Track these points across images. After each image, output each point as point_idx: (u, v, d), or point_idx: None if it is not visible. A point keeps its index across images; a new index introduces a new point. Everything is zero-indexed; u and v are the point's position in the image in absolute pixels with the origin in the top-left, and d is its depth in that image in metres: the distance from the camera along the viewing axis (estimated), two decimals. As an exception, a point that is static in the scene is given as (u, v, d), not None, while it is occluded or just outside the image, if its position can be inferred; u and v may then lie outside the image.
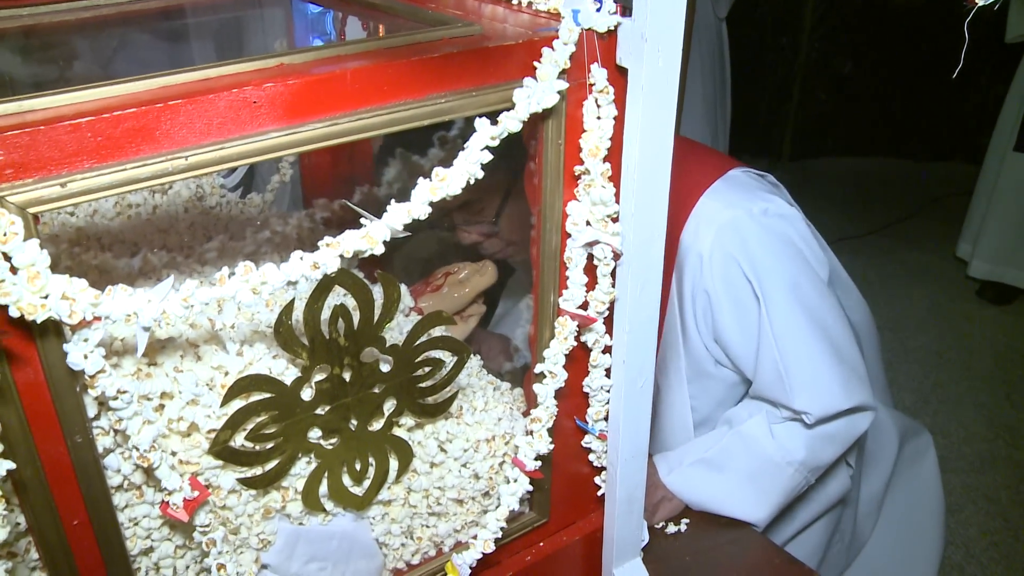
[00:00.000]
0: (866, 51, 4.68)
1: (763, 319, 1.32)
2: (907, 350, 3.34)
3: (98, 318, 0.62)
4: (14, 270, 0.58)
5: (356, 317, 0.79)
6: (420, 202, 0.71)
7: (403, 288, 1.19)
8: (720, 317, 1.37)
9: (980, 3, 0.70)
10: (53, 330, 0.62)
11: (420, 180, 0.71)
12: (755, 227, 1.34)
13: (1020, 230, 3.53)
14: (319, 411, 0.81)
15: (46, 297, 0.59)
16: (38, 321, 0.59)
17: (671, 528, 1.34)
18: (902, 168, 4.84)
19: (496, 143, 0.74)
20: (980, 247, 3.67)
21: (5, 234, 0.57)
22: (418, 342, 0.84)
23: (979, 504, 2.61)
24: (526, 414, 1.01)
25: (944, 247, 3.96)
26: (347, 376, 0.81)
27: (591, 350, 0.94)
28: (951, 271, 3.85)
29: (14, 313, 0.58)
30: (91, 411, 0.70)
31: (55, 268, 0.60)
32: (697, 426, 1.50)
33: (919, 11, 4.28)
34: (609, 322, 0.93)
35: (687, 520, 1.35)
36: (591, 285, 0.89)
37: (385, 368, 0.84)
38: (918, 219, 4.26)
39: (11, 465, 0.63)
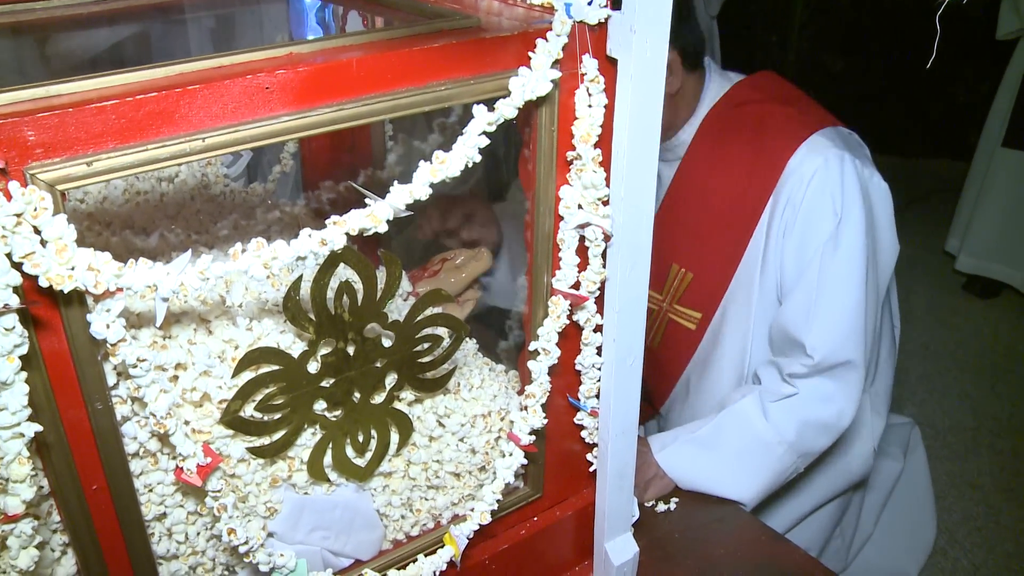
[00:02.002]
0: (855, 49, 4.73)
1: (824, 253, 1.40)
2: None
3: (120, 289, 0.66)
4: (43, 243, 0.62)
5: (360, 294, 0.83)
6: (421, 183, 0.75)
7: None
8: (791, 231, 1.44)
9: (949, -3, 0.74)
10: (77, 300, 0.66)
11: (421, 163, 0.76)
12: (856, 180, 1.43)
13: (1007, 225, 3.58)
14: (324, 383, 0.85)
15: (73, 269, 0.63)
16: (65, 291, 0.63)
17: (661, 506, 1.38)
18: (891, 164, 4.88)
19: (493, 129, 0.78)
20: (968, 242, 3.72)
21: (36, 209, 0.61)
22: (418, 318, 0.88)
23: (963, 491, 2.67)
24: (520, 393, 1.05)
25: (932, 242, 4.01)
26: (351, 350, 0.85)
27: (583, 328, 0.98)
28: (939, 266, 3.91)
29: (43, 283, 0.62)
30: (110, 380, 0.75)
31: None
32: (747, 379, 1.55)
33: (907, 9, 4.33)
34: (600, 302, 0.97)
35: (677, 499, 1.39)
36: (583, 266, 0.94)
37: (387, 343, 0.88)
38: (907, 215, 4.27)
39: (39, 428, 0.66)
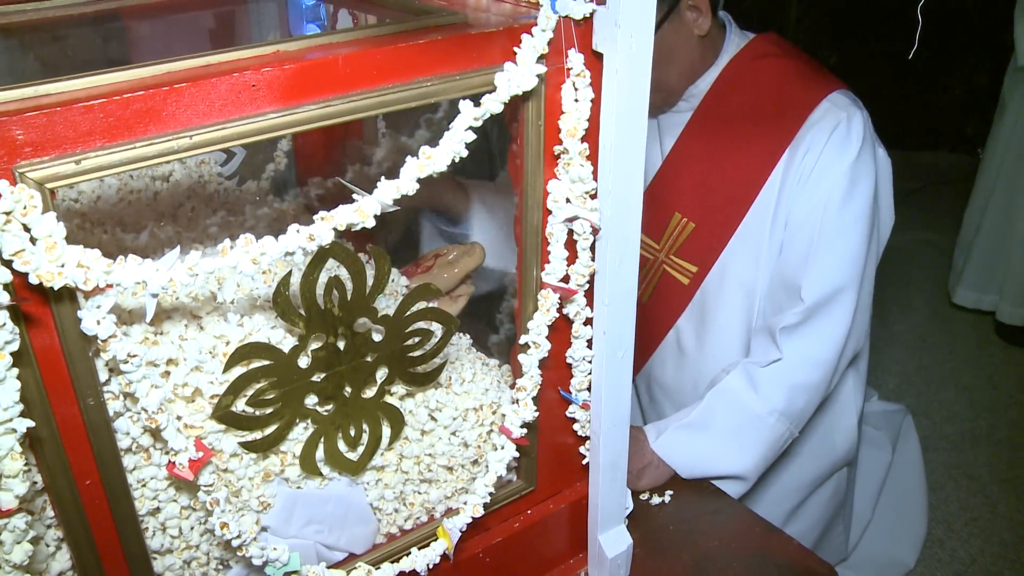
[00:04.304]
0: (851, 43, 4.74)
1: (833, 203, 1.43)
2: (892, 334, 3.40)
3: (110, 285, 0.66)
4: (33, 240, 0.63)
5: (349, 289, 0.84)
6: (408, 179, 0.76)
7: (395, 270, 1.24)
8: (805, 179, 1.46)
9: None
10: (68, 297, 0.67)
11: (408, 158, 0.76)
12: (872, 141, 1.49)
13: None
14: (315, 378, 0.86)
15: (63, 266, 0.64)
16: (55, 288, 0.64)
17: (655, 499, 1.39)
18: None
19: (479, 124, 0.79)
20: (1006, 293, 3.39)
21: (25, 207, 0.61)
22: (408, 313, 0.89)
23: (960, 482, 2.68)
24: (512, 387, 1.06)
25: (928, 235, 4.02)
26: (341, 345, 0.86)
27: (573, 322, 0.98)
28: (935, 257, 3.91)
29: (33, 280, 0.63)
30: (102, 376, 0.75)
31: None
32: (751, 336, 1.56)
33: (902, 2, 4.32)
34: (590, 295, 0.97)
35: (671, 492, 1.40)
36: (571, 259, 0.94)
37: (377, 337, 0.89)
38: (902, 207, 4.29)
39: (30, 423, 0.67)
